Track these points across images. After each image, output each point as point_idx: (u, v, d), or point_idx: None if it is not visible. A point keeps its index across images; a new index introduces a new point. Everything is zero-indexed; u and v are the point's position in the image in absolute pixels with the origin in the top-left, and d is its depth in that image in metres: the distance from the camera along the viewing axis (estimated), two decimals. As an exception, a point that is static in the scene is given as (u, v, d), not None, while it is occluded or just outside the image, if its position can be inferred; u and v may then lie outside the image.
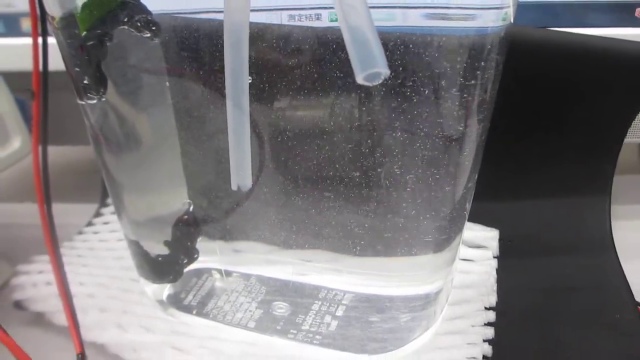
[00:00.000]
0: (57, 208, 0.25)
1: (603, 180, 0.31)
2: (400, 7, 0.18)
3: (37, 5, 0.20)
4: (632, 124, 0.32)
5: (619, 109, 0.29)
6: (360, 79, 0.14)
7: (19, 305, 0.28)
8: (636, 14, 0.29)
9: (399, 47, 0.18)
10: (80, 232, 0.32)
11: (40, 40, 0.21)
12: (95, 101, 0.21)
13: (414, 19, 0.18)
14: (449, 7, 0.17)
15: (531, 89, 0.29)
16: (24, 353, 0.19)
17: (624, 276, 0.28)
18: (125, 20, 0.20)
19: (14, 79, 0.30)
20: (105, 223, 0.33)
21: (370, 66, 0.14)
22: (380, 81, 0.14)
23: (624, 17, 0.29)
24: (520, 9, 0.28)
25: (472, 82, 0.18)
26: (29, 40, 0.32)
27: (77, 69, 0.20)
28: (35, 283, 0.27)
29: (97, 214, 0.34)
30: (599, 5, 0.29)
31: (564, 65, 0.28)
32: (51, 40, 0.22)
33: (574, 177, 0.31)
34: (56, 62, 0.21)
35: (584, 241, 0.30)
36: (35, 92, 0.20)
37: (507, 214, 0.30)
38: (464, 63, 0.18)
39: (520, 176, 0.31)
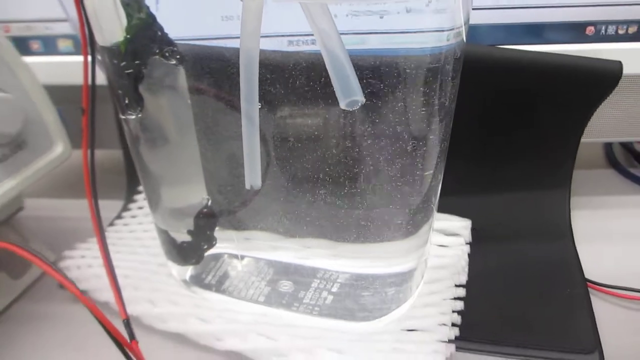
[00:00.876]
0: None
1: (563, 176, 0.36)
2: (367, 33, 0.23)
3: (87, 37, 0.25)
4: (596, 125, 0.36)
5: (574, 113, 0.34)
6: (342, 106, 0.19)
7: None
8: (587, 32, 0.34)
9: (371, 67, 0.22)
10: (111, 224, 0.37)
11: (89, 64, 0.25)
12: (133, 117, 0.26)
13: (380, 42, 0.22)
14: (408, 32, 0.22)
15: (498, 98, 0.33)
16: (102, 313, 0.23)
17: (578, 258, 0.33)
18: (157, 51, 0.25)
19: (51, 91, 0.35)
20: (133, 217, 0.38)
21: (349, 95, 0.19)
22: (358, 107, 0.19)
23: (577, 35, 0.34)
24: (487, 29, 0.33)
25: (433, 91, 0.23)
26: (65, 59, 0.37)
27: (119, 91, 0.25)
28: (79, 266, 0.32)
29: (125, 209, 0.39)
30: (556, 25, 0.34)
31: (523, 78, 0.32)
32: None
33: (538, 173, 0.36)
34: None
35: (545, 229, 0.35)
36: (85, 109, 0.25)
37: (479, 206, 0.35)
38: (423, 76, 0.22)
39: (490, 173, 0.36)
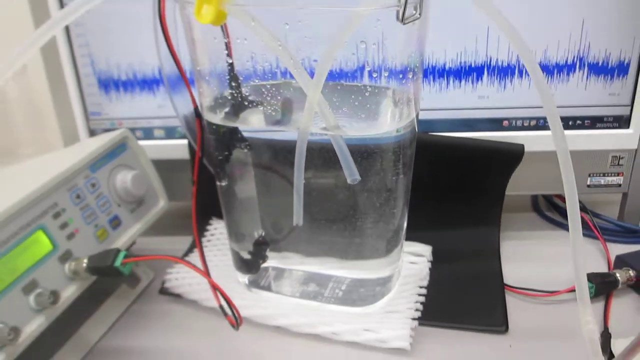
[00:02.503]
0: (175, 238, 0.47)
1: (494, 217, 0.54)
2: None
3: (200, 146, 0.43)
4: (523, 183, 0.53)
5: (496, 177, 0.52)
6: (349, 182, 0.36)
7: (163, 291, 0.50)
8: (503, 124, 0.53)
9: (360, 149, 0.39)
10: (191, 251, 0.55)
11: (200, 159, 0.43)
12: (223, 183, 0.43)
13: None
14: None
15: (442, 167, 0.51)
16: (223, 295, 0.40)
17: (501, 271, 0.50)
18: (237, 145, 0.43)
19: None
20: (209, 241, 0.55)
21: (352, 175, 0.36)
22: (358, 181, 0.36)
23: (497, 126, 0.53)
24: (438, 122, 0.51)
25: (398, 161, 0.40)
26: (158, 142, 0.55)
27: (217, 169, 0.43)
28: (177, 278, 0.49)
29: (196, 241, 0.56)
30: (483, 120, 0.52)
31: (458, 154, 0.51)
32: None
33: (476, 216, 0.54)
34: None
35: (481, 252, 0.52)
36: (195, 181, 0.43)
37: (436, 237, 0.52)
38: (391, 152, 0.40)
39: (442, 216, 0.53)
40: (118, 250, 0.38)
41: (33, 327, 0.36)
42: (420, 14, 0.31)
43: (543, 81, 0.31)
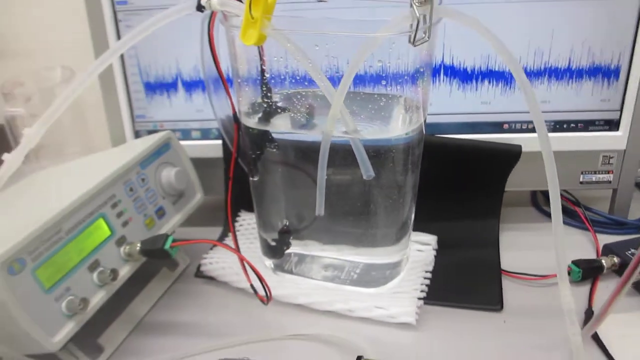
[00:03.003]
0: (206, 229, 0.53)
1: (494, 211, 0.60)
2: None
3: (236, 144, 0.49)
4: (523, 179, 0.59)
5: (496, 174, 0.58)
6: (365, 177, 0.43)
7: (198, 274, 0.56)
8: (503, 127, 0.58)
9: (375, 149, 0.45)
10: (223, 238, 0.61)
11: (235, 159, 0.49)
12: (255, 178, 0.50)
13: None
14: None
15: (448, 164, 0.57)
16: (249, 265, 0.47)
17: (499, 258, 0.56)
18: (267, 145, 0.49)
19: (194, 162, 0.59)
20: (237, 230, 0.61)
21: (368, 172, 0.43)
22: (372, 177, 0.43)
23: (498, 129, 0.58)
24: (445, 125, 0.57)
25: (407, 158, 0.46)
26: (195, 142, 0.61)
27: (250, 167, 0.49)
28: (211, 262, 0.56)
29: (227, 230, 0.62)
30: (485, 123, 0.58)
31: (463, 153, 0.57)
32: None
33: (478, 210, 0.59)
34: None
35: (482, 242, 0.58)
36: (231, 177, 0.49)
37: (441, 228, 0.58)
38: (402, 151, 0.46)
39: (448, 209, 0.59)
40: (167, 235, 0.45)
41: (97, 299, 0.43)
42: (428, 37, 0.37)
43: (529, 86, 0.37)
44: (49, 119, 0.39)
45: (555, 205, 0.38)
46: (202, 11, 0.40)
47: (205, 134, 0.62)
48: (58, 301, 0.40)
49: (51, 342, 0.39)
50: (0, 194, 0.42)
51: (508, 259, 0.56)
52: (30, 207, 0.45)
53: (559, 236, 0.37)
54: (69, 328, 0.40)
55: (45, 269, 0.39)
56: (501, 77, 0.57)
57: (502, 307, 0.50)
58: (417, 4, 0.35)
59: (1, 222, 0.41)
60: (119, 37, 0.58)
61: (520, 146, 0.56)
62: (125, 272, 0.45)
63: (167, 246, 0.44)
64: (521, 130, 0.58)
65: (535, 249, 0.58)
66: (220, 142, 0.59)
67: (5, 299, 0.36)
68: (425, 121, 0.47)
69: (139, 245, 0.45)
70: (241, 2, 0.40)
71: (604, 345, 0.44)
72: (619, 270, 0.53)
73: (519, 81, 0.37)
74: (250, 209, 0.56)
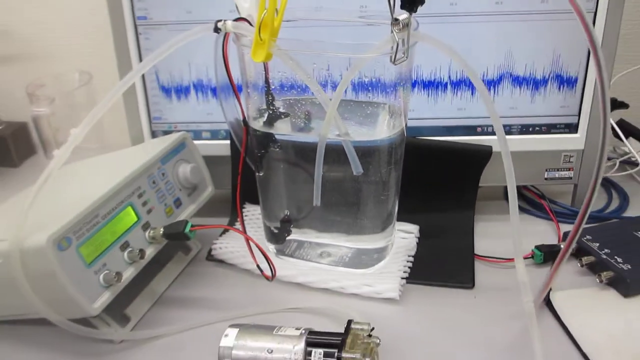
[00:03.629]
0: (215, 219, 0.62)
1: (470, 204, 0.68)
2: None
3: (244, 145, 0.57)
4: (497, 175, 0.67)
5: (470, 172, 0.66)
6: (355, 173, 0.51)
7: (209, 258, 0.64)
8: (477, 130, 0.67)
9: (362, 149, 0.54)
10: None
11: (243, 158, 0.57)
12: (260, 173, 0.58)
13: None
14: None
15: (424, 163, 0.65)
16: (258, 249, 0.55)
17: (473, 244, 0.64)
18: (271, 145, 0.57)
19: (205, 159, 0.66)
20: (243, 220, 0.69)
21: (357, 169, 0.51)
22: (361, 174, 0.51)
23: (472, 131, 0.67)
24: (426, 129, 0.65)
25: (391, 157, 0.54)
26: (205, 142, 0.69)
27: (257, 164, 0.57)
28: (220, 247, 0.63)
29: (235, 219, 0.70)
30: (460, 127, 0.66)
31: (440, 152, 0.65)
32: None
33: (455, 203, 0.68)
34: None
35: (459, 230, 0.66)
36: (240, 172, 0.57)
37: (423, 219, 0.66)
38: (386, 151, 0.54)
39: (427, 202, 0.67)
40: (187, 221, 0.52)
41: (127, 274, 0.51)
42: (406, 57, 0.45)
43: (487, 95, 0.45)
44: (90, 122, 0.46)
45: (512, 195, 0.46)
46: (218, 32, 0.48)
47: (214, 135, 0.69)
48: (97, 274, 0.48)
49: (92, 308, 0.47)
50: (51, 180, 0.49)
51: (481, 245, 0.64)
52: (72, 195, 0.52)
53: (516, 222, 0.46)
54: (105, 297, 0.48)
55: (86, 247, 0.47)
56: (474, 87, 0.65)
57: (473, 285, 0.58)
58: (396, 30, 0.43)
59: (49, 207, 0.49)
60: (139, 48, 0.65)
61: (490, 147, 0.65)
62: (150, 252, 0.53)
63: (187, 230, 0.52)
64: (492, 133, 0.67)
65: (505, 237, 0.65)
66: (227, 142, 0.67)
67: (55, 270, 0.44)
68: (406, 125, 0.55)
69: (162, 229, 0.53)
70: (251, 25, 0.48)
71: (556, 312, 0.52)
72: (576, 254, 0.61)
73: (479, 91, 0.45)
74: (254, 201, 0.64)
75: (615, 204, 0.73)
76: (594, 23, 0.60)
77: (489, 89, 0.65)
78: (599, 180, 0.43)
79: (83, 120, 0.47)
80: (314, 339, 0.45)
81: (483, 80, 0.64)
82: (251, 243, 0.53)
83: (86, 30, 0.94)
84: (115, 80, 0.67)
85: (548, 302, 0.55)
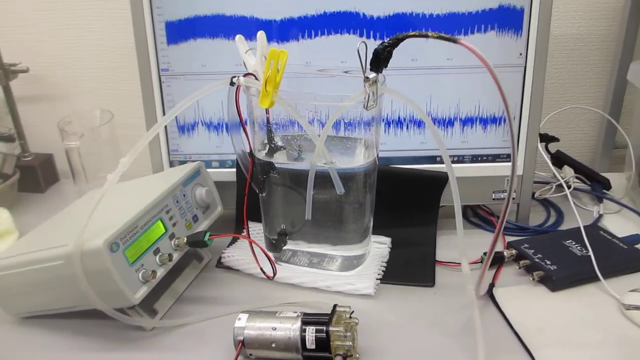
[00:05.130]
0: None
1: (432, 220, 0.82)
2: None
3: (250, 171, 0.71)
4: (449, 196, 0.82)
5: (432, 194, 0.81)
6: (338, 193, 0.65)
7: (218, 265, 0.78)
8: (437, 160, 0.82)
9: (345, 176, 0.68)
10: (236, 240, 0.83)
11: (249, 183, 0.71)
12: (264, 194, 0.72)
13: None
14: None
15: (394, 187, 0.80)
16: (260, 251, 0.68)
17: (435, 252, 0.78)
18: (271, 172, 0.71)
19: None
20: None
21: (340, 189, 0.65)
22: (343, 193, 0.65)
23: (432, 160, 0.82)
24: (395, 158, 0.81)
25: (366, 181, 0.69)
26: (214, 170, 0.84)
27: (260, 186, 0.71)
28: (229, 256, 0.77)
29: (240, 233, 0.84)
30: (423, 156, 0.82)
31: (403, 178, 0.80)
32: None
33: (420, 220, 0.82)
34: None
35: (423, 242, 0.80)
36: (246, 194, 0.71)
37: (394, 232, 0.81)
38: (362, 176, 0.68)
39: (397, 219, 0.81)
40: (206, 231, 0.66)
41: (160, 273, 0.64)
42: (376, 104, 0.60)
43: (437, 133, 0.60)
44: (134, 153, 0.60)
45: (457, 208, 0.61)
46: (233, 86, 0.63)
47: (222, 164, 0.84)
48: (137, 272, 0.61)
49: (135, 298, 0.60)
50: (93, 200, 0.62)
51: (441, 253, 0.79)
52: (116, 210, 0.65)
53: (460, 230, 0.60)
54: (143, 290, 0.61)
55: (129, 250, 0.61)
56: (436, 123, 0.80)
57: (434, 284, 0.72)
58: (367, 85, 0.58)
59: (101, 219, 0.62)
60: (161, 93, 0.80)
61: (446, 173, 0.79)
62: (176, 256, 0.67)
63: (206, 238, 0.65)
64: (449, 162, 0.82)
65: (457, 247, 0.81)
66: (233, 170, 0.81)
67: (109, 268, 0.57)
68: (378, 155, 0.70)
69: (185, 238, 0.67)
70: (257, 79, 0.63)
71: (497, 304, 0.67)
72: (516, 259, 0.76)
73: (429, 128, 0.60)
74: (255, 219, 0.78)
75: (552, 219, 0.88)
76: (524, 76, 0.77)
77: (446, 127, 0.80)
78: (510, 201, 0.59)
79: (128, 152, 0.61)
80: (308, 319, 0.58)
81: (442, 120, 0.80)
82: (255, 247, 0.67)
83: (107, 74, 1.09)
84: (130, 116, 0.82)
85: (492, 296, 0.69)
